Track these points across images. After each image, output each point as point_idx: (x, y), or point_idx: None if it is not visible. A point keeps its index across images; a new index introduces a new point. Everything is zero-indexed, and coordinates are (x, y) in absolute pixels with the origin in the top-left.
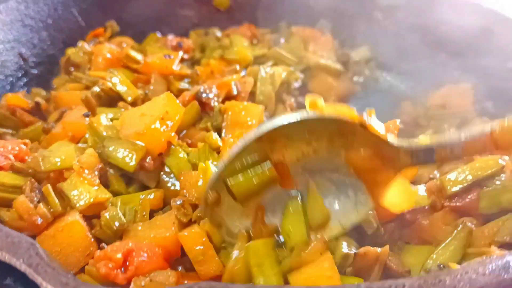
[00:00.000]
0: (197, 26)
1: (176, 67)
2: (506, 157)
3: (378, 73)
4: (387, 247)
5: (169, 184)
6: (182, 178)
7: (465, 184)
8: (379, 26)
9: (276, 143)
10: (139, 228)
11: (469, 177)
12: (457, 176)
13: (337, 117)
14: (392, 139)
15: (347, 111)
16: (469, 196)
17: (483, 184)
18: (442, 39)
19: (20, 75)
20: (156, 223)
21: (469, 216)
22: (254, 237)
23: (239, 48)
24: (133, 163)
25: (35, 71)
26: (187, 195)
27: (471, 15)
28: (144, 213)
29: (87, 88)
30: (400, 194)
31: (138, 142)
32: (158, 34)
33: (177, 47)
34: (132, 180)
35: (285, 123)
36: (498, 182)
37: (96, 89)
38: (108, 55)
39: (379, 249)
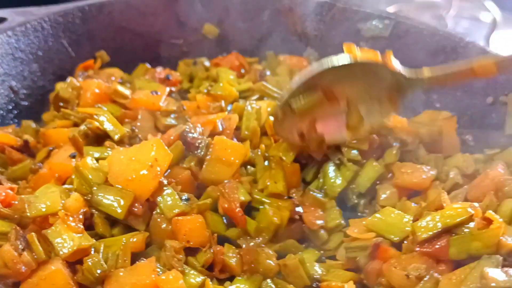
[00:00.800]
0: (186, 54)
1: (162, 103)
2: (476, 204)
3: None
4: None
5: (163, 226)
6: (175, 221)
7: (435, 231)
8: None
9: (324, 79)
10: (121, 274)
11: (439, 225)
12: (427, 223)
13: (368, 61)
14: (404, 71)
15: (373, 55)
16: (439, 243)
17: (453, 231)
18: None
19: (10, 107)
20: (137, 270)
21: (439, 261)
22: (308, 142)
23: (224, 84)
24: (122, 210)
25: (25, 103)
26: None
27: (453, 49)
28: (125, 259)
29: (76, 124)
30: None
31: (126, 188)
32: (148, 65)
33: (165, 80)
34: (116, 221)
35: (331, 66)
36: (467, 230)
37: (83, 127)
38: (97, 90)
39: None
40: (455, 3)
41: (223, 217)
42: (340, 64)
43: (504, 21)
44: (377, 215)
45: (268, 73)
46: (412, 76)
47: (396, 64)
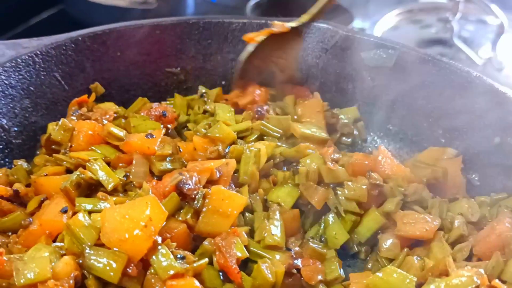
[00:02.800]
0: (184, 82)
1: (158, 146)
2: (482, 270)
3: (366, 133)
4: None
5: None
6: (169, 286)
7: None
8: (367, 86)
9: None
10: None
11: None
12: None
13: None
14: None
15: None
16: None
17: None
18: (432, 106)
19: (1, 146)
20: None
21: None
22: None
23: (222, 126)
24: (115, 274)
25: (17, 141)
26: None
27: (464, 85)
28: None
29: (68, 170)
30: None
31: (119, 250)
32: (145, 99)
33: (161, 117)
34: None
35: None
36: None
37: (75, 177)
38: (90, 132)
39: None
40: (461, 6)
41: (220, 272)
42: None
43: (511, 24)
44: (379, 274)
45: (265, 107)
46: (297, 23)
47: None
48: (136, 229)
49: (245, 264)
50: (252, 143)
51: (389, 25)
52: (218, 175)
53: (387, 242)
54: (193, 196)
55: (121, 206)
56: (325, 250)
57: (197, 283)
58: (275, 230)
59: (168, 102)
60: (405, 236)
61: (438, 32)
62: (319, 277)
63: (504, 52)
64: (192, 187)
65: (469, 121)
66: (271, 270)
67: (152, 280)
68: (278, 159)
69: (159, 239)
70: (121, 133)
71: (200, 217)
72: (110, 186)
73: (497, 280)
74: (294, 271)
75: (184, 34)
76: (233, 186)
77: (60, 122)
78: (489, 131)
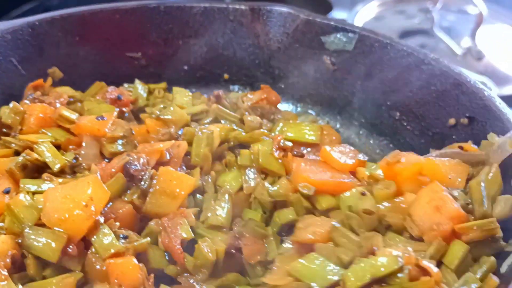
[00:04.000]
0: (145, 67)
1: (109, 128)
2: (410, 249)
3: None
4: None
5: (97, 267)
6: (108, 264)
7: (364, 282)
8: (328, 70)
9: None
10: None
11: (368, 276)
12: (357, 273)
13: None
14: None
15: None
16: None
17: (383, 281)
18: (389, 89)
19: None
20: None
21: None
22: None
23: (175, 108)
24: (54, 254)
25: None
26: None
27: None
28: None
29: (17, 153)
30: None
31: (59, 229)
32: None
33: (117, 100)
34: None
35: None
36: (398, 280)
37: (21, 158)
38: (41, 115)
39: None
40: None
41: (166, 253)
42: None
43: (491, 14)
44: (301, 260)
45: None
46: None
47: None
48: (76, 209)
49: (193, 247)
50: (206, 125)
51: (371, 15)
52: (168, 157)
53: None
54: (140, 177)
55: (63, 186)
56: (265, 231)
57: (135, 261)
58: (220, 211)
59: (128, 87)
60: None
61: (421, 23)
62: (259, 257)
63: (483, 42)
64: (140, 168)
65: (425, 103)
66: (211, 248)
67: (93, 259)
68: (232, 143)
69: (102, 219)
70: (73, 116)
71: (148, 198)
72: (56, 167)
73: (425, 262)
74: (233, 251)
75: (144, 19)
76: (184, 167)
77: (11, 105)
78: (444, 112)
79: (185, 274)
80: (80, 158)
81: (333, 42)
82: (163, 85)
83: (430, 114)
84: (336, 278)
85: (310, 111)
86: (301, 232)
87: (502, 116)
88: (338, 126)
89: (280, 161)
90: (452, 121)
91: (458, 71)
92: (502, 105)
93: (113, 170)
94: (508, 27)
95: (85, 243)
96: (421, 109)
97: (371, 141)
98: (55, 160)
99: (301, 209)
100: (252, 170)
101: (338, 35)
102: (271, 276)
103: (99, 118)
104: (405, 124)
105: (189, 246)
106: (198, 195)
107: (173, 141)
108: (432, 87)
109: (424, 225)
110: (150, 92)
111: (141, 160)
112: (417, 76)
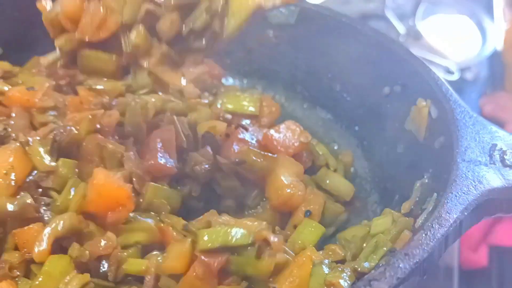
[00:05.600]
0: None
1: (40, 99)
2: (264, 223)
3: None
4: None
5: None
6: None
7: (216, 246)
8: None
9: None
10: None
11: (218, 242)
12: (212, 235)
13: None
14: None
15: None
16: (219, 258)
17: (235, 250)
18: (330, 61)
19: None
20: None
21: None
22: None
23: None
24: None
25: None
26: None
27: (358, 38)
28: None
29: None
30: None
31: None
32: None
33: (54, 73)
34: None
35: None
36: (246, 253)
37: None
38: None
39: None
40: None
41: None
42: None
43: None
44: None
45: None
46: None
47: None
48: None
49: None
50: (139, 96)
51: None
52: (98, 126)
53: None
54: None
55: None
56: None
57: None
58: None
59: None
60: None
61: (377, 7)
62: None
63: (423, 22)
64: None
65: (362, 74)
66: None
67: None
68: (169, 114)
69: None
70: (5, 87)
71: None
72: None
73: (273, 237)
74: None
75: None
76: (116, 137)
77: None
78: (379, 81)
79: None
80: (9, 129)
81: (275, 15)
82: None
83: (367, 85)
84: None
85: (256, 86)
86: None
87: (430, 81)
88: (283, 100)
89: None
90: (387, 90)
91: (390, 40)
92: (429, 69)
93: (37, 138)
94: (448, 8)
95: None
96: (358, 80)
97: (314, 114)
98: None
99: None
100: None
101: (280, 9)
102: None
103: (30, 89)
104: (345, 95)
105: None
106: None
107: (102, 110)
108: (368, 57)
109: None
110: None
111: (68, 129)
112: (355, 47)
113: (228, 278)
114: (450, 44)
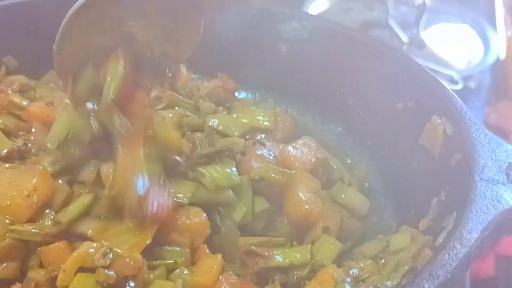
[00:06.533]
0: None
1: None
2: None
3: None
4: None
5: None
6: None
7: None
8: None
9: None
10: None
11: None
12: None
13: None
14: None
15: None
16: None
17: None
18: (343, 75)
19: None
20: None
21: None
22: None
23: None
24: None
25: None
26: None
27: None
28: None
29: None
30: None
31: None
32: None
33: None
34: None
35: None
36: None
37: None
38: None
39: None
40: None
41: None
42: None
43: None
44: None
45: None
46: None
47: None
48: (18, 198)
49: None
50: (159, 112)
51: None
52: None
53: None
54: None
55: (11, 171)
56: None
57: None
58: None
59: None
60: None
61: (380, 15)
62: None
63: (426, 31)
64: None
65: (375, 89)
66: None
67: None
68: (186, 128)
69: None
70: (24, 102)
71: None
72: (4, 152)
73: None
74: None
75: None
76: None
77: None
78: (393, 97)
79: None
80: (29, 144)
81: (287, 30)
82: None
83: (380, 100)
84: None
85: (269, 99)
86: None
87: (444, 98)
88: (295, 113)
89: None
90: (400, 105)
91: (405, 56)
92: (443, 86)
93: None
94: (451, 17)
95: None
96: (371, 95)
97: (327, 128)
98: (1, 145)
99: None
100: None
101: (293, 23)
102: None
103: (49, 104)
104: (357, 110)
105: None
106: None
107: None
108: (381, 73)
109: None
110: None
111: None
112: (367, 62)
113: None
114: (453, 52)
